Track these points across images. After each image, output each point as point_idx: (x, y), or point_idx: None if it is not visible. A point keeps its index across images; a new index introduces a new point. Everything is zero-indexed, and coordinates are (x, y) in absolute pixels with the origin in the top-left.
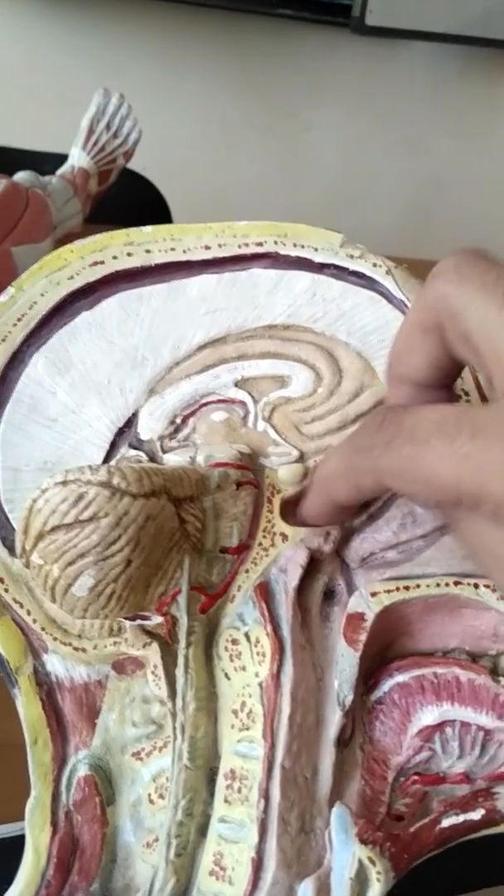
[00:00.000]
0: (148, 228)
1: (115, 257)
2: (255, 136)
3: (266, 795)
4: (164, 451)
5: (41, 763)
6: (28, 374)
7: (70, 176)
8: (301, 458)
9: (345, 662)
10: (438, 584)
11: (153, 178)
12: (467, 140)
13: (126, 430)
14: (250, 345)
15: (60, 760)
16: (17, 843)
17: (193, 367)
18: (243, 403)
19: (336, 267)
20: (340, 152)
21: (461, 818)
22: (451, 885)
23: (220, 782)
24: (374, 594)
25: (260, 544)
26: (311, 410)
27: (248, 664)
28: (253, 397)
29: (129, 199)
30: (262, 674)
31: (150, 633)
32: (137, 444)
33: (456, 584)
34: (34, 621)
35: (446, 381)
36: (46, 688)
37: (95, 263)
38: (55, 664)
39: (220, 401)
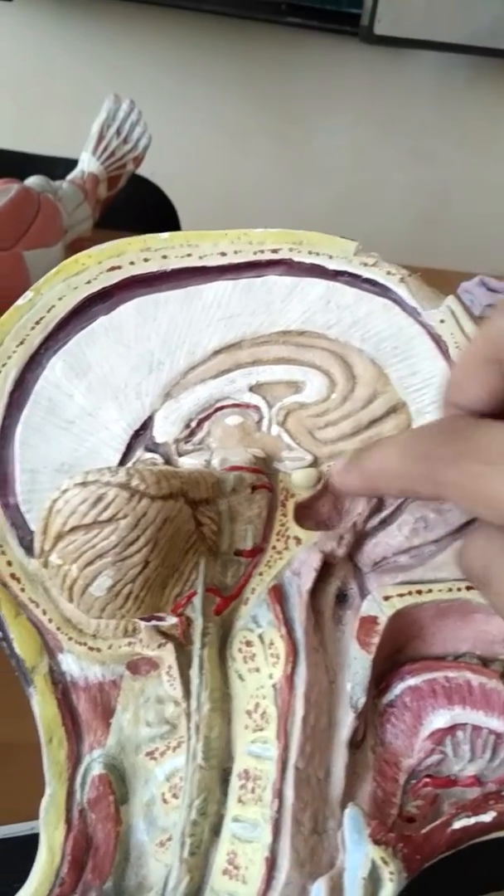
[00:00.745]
0: (165, 235)
1: (132, 263)
2: (263, 143)
3: (280, 796)
4: (180, 455)
5: (56, 761)
6: (46, 376)
7: (80, 181)
8: (315, 462)
9: (357, 665)
10: (451, 589)
11: (161, 184)
12: (474, 149)
13: (142, 433)
14: (265, 350)
15: (75, 759)
16: (32, 841)
17: (209, 371)
18: (258, 408)
19: (350, 274)
20: (348, 160)
21: (472, 820)
22: (463, 888)
23: (234, 782)
24: (386, 598)
25: (274, 547)
26: (324, 416)
27: (261, 666)
28: (267, 402)
29: (137, 205)
30: (276, 675)
31: (165, 634)
32: (153, 448)
33: (468, 588)
34: (50, 621)
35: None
36: (62, 687)
37: (113, 268)
38: (70, 664)
39: (234, 405)
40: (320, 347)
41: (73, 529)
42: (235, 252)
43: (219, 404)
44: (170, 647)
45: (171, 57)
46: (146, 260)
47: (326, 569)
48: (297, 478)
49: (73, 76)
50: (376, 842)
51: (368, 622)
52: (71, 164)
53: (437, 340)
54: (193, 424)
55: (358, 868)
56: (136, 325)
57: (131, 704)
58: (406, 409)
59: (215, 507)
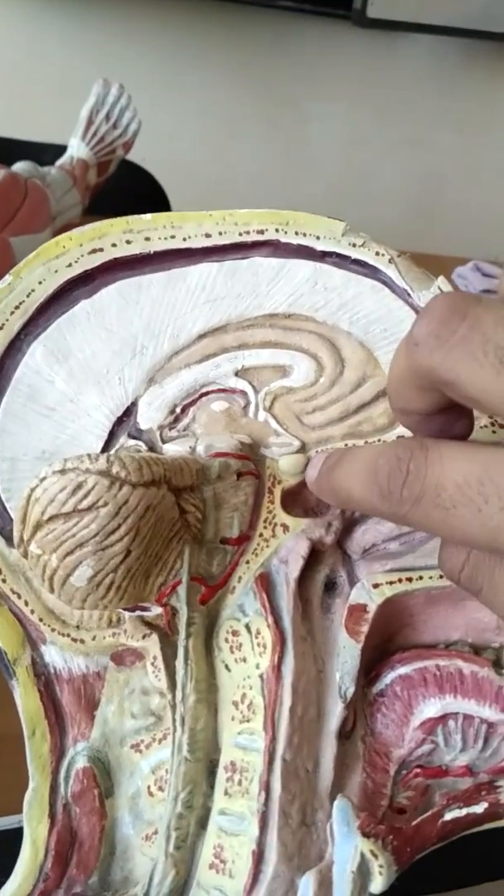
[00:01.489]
0: (148, 216)
1: (114, 245)
2: (256, 129)
3: (267, 788)
4: (164, 441)
5: (39, 755)
6: (26, 362)
7: (69, 166)
8: (302, 448)
9: (346, 654)
10: (441, 576)
11: (152, 170)
12: (468, 132)
13: (125, 420)
14: (251, 334)
15: (59, 752)
16: (16, 835)
17: (193, 356)
18: (244, 393)
19: (338, 255)
20: (341, 145)
21: (464, 812)
22: (454, 879)
23: (221, 774)
24: (376, 585)
25: (261, 535)
26: (312, 400)
27: (248, 655)
28: (254, 387)
29: (128, 191)
30: (263, 665)
31: (150, 625)
32: (136, 434)
33: None
34: (32, 612)
35: (455, 404)
36: (44, 679)
37: (94, 251)
38: (53, 655)
39: (220, 390)
40: (307, 330)
41: (52, 518)
42: (220, 233)
43: (204, 389)
44: (154, 637)
45: (162, 41)
46: (128, 242)
47: (315, 556)
48: (285, 464)
49: (62, 61)
50: (366, 834)
51: (358, 610)
52: (60, 149)
53: None
54: (178, 410)
55: (347, 861)
56: (118, 308)
57: (116, 696)
58: None
59: (200, 494)
